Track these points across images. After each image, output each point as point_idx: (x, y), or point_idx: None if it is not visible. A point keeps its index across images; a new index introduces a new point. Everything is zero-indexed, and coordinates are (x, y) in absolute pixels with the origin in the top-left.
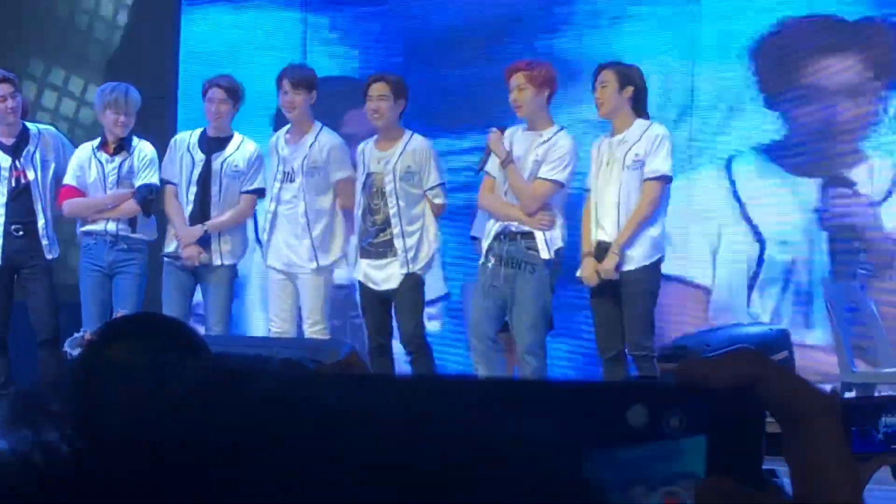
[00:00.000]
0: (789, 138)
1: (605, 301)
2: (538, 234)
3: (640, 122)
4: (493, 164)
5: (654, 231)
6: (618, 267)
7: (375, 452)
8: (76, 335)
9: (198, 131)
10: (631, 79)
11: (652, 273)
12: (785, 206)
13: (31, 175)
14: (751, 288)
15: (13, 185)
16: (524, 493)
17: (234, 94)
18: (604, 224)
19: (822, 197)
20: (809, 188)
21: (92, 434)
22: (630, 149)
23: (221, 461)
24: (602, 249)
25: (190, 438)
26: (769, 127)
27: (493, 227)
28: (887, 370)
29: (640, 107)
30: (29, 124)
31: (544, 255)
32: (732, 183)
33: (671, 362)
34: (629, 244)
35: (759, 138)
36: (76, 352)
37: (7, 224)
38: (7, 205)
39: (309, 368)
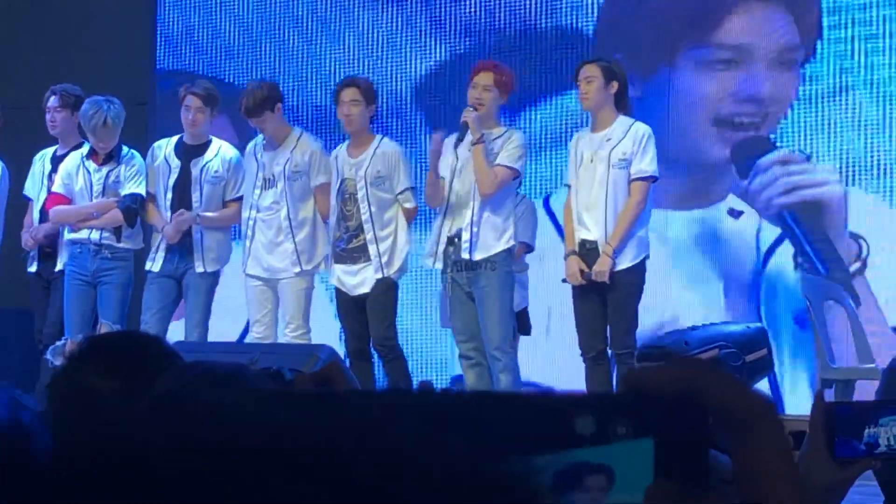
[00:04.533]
0: None
1: (589, 301)
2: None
3: (622, 119)
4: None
5: (641, 231)
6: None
7: (323, 473)
8: (58, 344)
9: (175, 139)
10: (615, 74)
11: (638, 273)
12: None
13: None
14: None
15: (47, 195)
16: (488, 499)
17: (211, 100)
18: (587, 223)
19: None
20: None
21: (56, 456)
22: (615, 147)
23: (174, 485)
24: (586, 249)
25: (145, 466)
26: None
27: (444, 233)
28: (865, 366)
29: (622, 103)
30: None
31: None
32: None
33: (650, 361)
34: (621, 245)
35: None
36: (58, 361)
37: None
38: (41, 213)
39: (286, 378)
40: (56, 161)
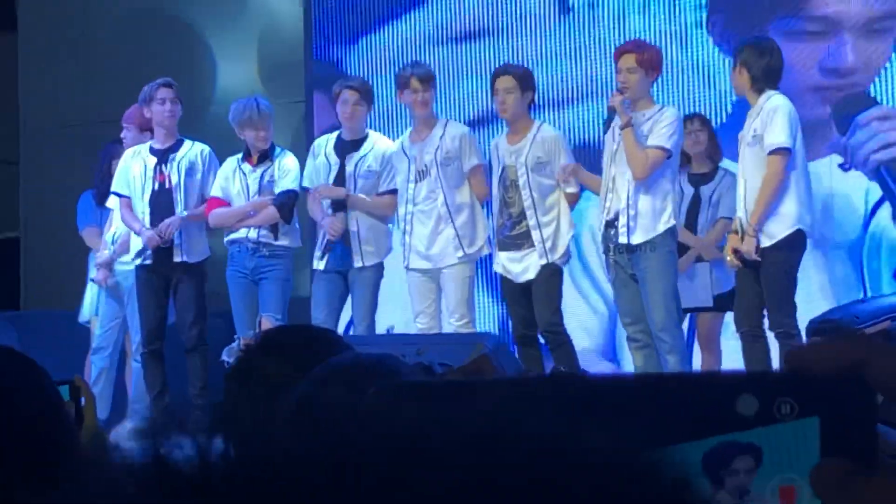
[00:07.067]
0: None
1: (746, 277)
2: (643, 212)
3: (763, 96)
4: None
5: (784, 207)
6: (758, 246)
7: (456, 466)
8: (232, 344)
9: (334, 135)
10: (744, 61)
11: (788, 249)
12: None
13: (174, 179)
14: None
15: (156, 188)
16: (630, 492)
17: (367, 95)
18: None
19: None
20: None
21: (228, 450)
22: (751, 124)
23: (349, 483)
24: (737, 228)
25: (322, 459)
26: None
27: (603, 218)
28: None
29: (768, 80)
30: (187, 140)
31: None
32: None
33: (821, 336)
34: (763, 222)
35: None
36: (233, 360)
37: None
38: (152, 208)
39: (436, 373)
40: (159, 155)
